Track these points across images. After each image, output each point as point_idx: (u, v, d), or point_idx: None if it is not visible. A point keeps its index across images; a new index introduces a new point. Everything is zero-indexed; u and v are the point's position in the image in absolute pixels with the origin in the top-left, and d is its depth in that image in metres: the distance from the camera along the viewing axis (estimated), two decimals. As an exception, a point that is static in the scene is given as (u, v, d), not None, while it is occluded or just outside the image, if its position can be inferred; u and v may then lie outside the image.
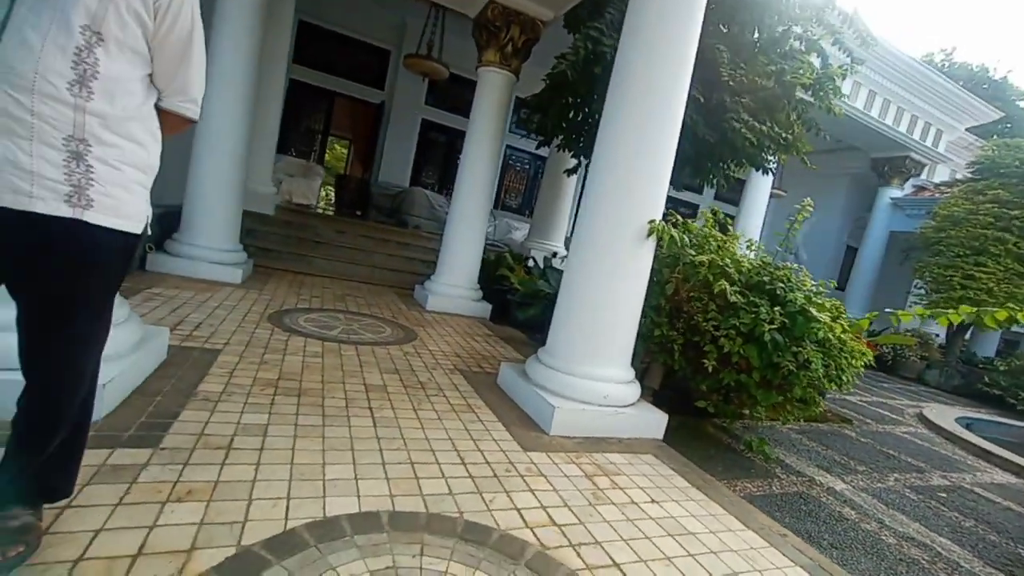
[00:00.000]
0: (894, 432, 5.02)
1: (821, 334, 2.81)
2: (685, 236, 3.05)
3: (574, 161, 6.74)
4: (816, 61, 4.89)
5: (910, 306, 10.41)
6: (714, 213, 3.58)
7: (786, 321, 2.80)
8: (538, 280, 5.24)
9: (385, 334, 4.10)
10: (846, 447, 4.09)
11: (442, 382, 3.19)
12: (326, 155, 10.85)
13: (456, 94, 10.22)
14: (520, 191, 12.35)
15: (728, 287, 2.85)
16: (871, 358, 3.08)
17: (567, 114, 5.73)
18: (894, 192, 11.05)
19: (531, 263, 7.17)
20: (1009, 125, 19.86)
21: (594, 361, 2.89)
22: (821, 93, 4.69)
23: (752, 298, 2.93)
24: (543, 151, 10.72)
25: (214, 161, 4.67)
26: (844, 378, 3.08)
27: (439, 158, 11.05)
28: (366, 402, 2.58)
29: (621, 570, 1.64)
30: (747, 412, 3.22)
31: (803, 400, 3.03)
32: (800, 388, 2.88)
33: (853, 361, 3.03)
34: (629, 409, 2.93)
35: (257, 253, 5.73)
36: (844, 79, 4.89)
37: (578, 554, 1.67)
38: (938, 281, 9.22)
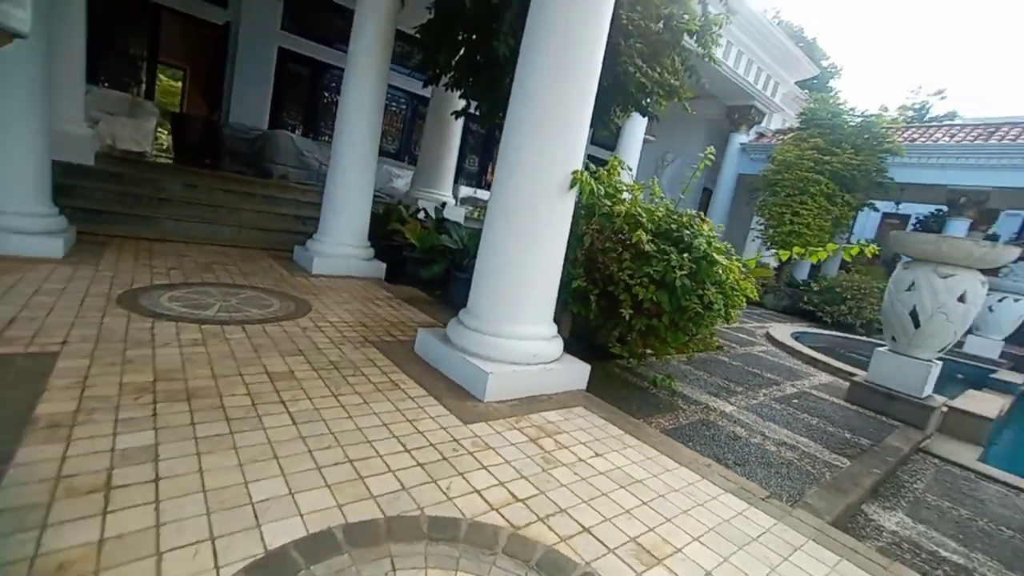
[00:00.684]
0: (753, 352, 5.88)
1: (722, 276, 3.05)
2: (600, 186, 3.03)
3: (463, 102, 6.34)
4: (697, 8, 5.06)
5: (753, 240, 12.10)
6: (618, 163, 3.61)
7: (694, 266, 2.98)
8: (438, 235, 4.97)
9: (273, 308, 3.58)
10: (725, 371, 4.67)
11: (356, 358, 2.89)
12: (155, 89, 8.86)
13: (322, 20, 8.92)
14: (398, 135, 11.50)
15: (644, 237, 2.93)
16: (755, 294, 3.46)
17: (458, 50, 5.29)
18: (742, 138, 12.46)
19: (422, 215, 6.79)
20: (816, 80, 23.38)
21: (521, 319, 2.83)
22: (704, 39, 4.89)
23: (662, 246, 3.06)
24: (418, 88, 9.99)
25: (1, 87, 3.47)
26: (733, 314, 3.43)
27: (302, 95, 9.71)
28: (275, 396, 2.22)
29: (592, 534, 1.66)
30: (655, 353, 3.44)
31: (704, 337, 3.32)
32: (705, 327, 3.14)
33: (741, 298, 3.37)
34: (556, 364, 2.95)
35: (79, 216, 4.55)
36: (720, 27, 5.16)
37: (549, 527, 1.64)
38: (774, 217, 10.79)
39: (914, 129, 11.82)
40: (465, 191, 11.69)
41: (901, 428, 3.96)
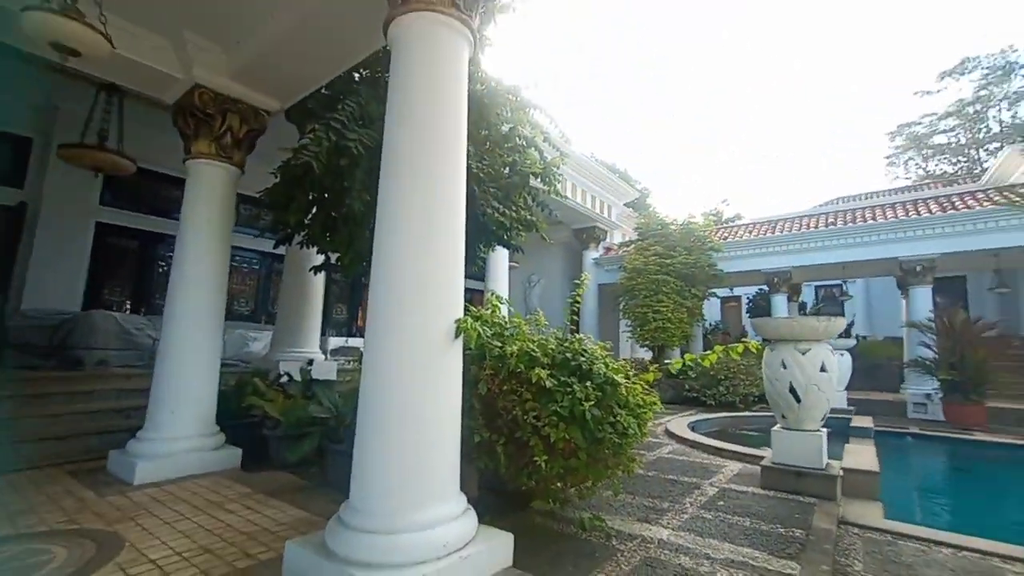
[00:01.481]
0: (662, 455, 5.76)
1: (627, 397, 2.90)
2: (486, 328, 2.81)
3: (321, 257, 6.04)
4: (536, 154, 5.66)
5: (626, 342, 12.90)
6: (498, 298, 3.49)
7: (599, 393, 2.79)
8: (306, 403, 4.24)
9: (52, 564, 2.50)
10: (645, 487, 4.39)
11: (192, 617, 2.03)
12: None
13: (151, 190, 8.27)
14: (252, 294, 10.62)
15: (544, 373, 2.70)
16: (660, 405, 3.35)
17: (309, 209, 5.11)
18: (593, 254, 13.87)
19: (285, 378, 5.94)
20: (636, 201, 28.09)
21: (420, 501, 2.28)
22: (548, 179, 5.39)
23: (562, 378, 2.85)
24: (270, 246, 9.52)
25: None
26: (644, 429, 3.25)
27: (129, 270, 8.56)
28: None
29: None
30: (581, 496, 3.05)
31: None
32: (624, 455, 2.88)
33: (649, 414, 3.24)
34: (472, 547, 2.38)
35: None
36: (559, 168, 5.80)
37: None
38: (638, 317, 11.73)
39: (723, 229, 14.35)
40: (335, 342, 10.90)
41: (818, 504, 3.96)
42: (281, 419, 4.27)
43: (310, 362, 7.14)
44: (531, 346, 2.89)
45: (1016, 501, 6.30)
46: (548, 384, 2.72)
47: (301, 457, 3.87)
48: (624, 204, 14.92)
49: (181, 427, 4.20)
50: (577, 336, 3.23)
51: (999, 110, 29.75)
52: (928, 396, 10.08)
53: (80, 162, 6.14)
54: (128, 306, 8.18)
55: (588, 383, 2.84)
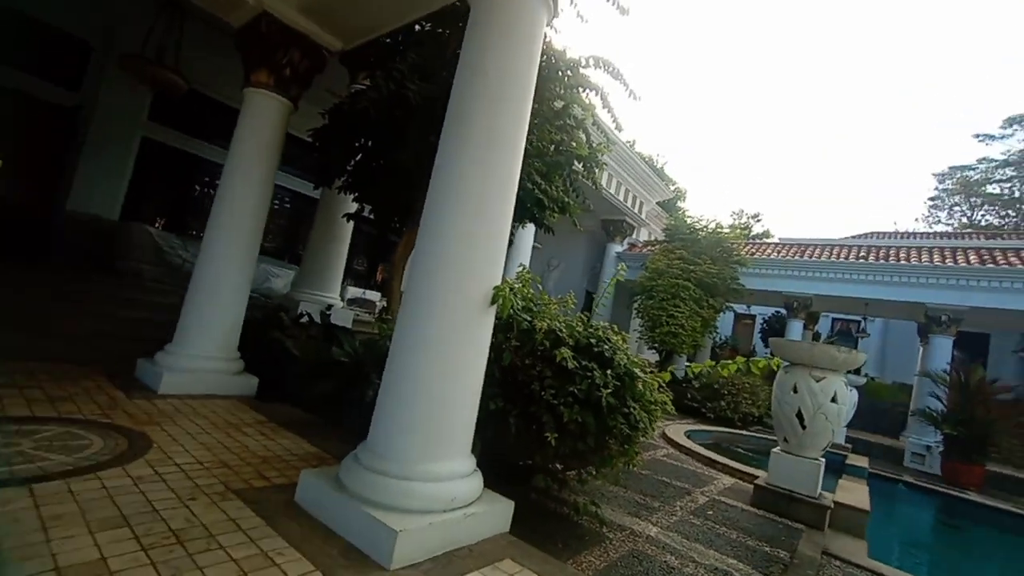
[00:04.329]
0: (658, 457, 5.85)
1: (643, 392, 2.95)
2: (519, 300, 2.87)
3: (355, 206, 6.12)
4: (582, 136, 5.61)
5: (636, 341, 12.90)
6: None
7: (618, 383, 2.84)
8: (328, 346, 4.37)
9: (90, 449, 2.68)
10: (638, 484, 4.48)
11: (211, 520, 2.17)
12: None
13: (199, 114, 8.36)
14: (280, 232, 10.80)
15: (568, 354, 2.75)
16: (671, 407, 3.41)
17: (355, 156, 5.17)
18: (617, 247, 13.78)
19: (305, 319, 6.10)
20: (669, 201, 27.69)
21: (438, 455, 2.38)
22: (591, 165, 5.36)
23: (584, 363, 2.91)
24: (305, 188, 9.61)
25: None
26: (653, 425, 3.32)
27: (169, 188, 8.74)
28: (74, 612, 1.47)
29: None
30: (582, 483, 3.15)
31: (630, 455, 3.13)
32: (632, 448, 2.95)
33: (659, 412, 3.30)
34: (476, 507, 2.49)
35: None
36: (603, 156, 5.74)
37: None
38: (651, 318, 11.70)
39: (751, 245, 14.13)
40: (353, 291, 11.07)
41: (805, 531, 4.02)
42: (301, 357, 4.41)
43: (329, 307, 7.29)
44: (559, 325, 2.94)
45: (995, 566, 6.33)
46: (570, 365, 2.78)
47: (317, 396, 4.01)
48: (657, 201, 14.72)
49: (206, 347, 4.36)
50: (603, 323, 3.27)
51: (1062, 166, 28.41)
52: (928, 448, 10.02)
53: (138, 73, 6.22)
54: (160, 224, 8.37)
55: (608, 371, 2.90)
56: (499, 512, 2.59)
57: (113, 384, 3.96)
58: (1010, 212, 30.32)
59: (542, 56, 4.61)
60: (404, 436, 2.36)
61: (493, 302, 2.53)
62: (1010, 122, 29.49)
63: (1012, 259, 10.64)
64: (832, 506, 4.39)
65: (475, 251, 2.47)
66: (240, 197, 4.50)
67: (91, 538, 1.87)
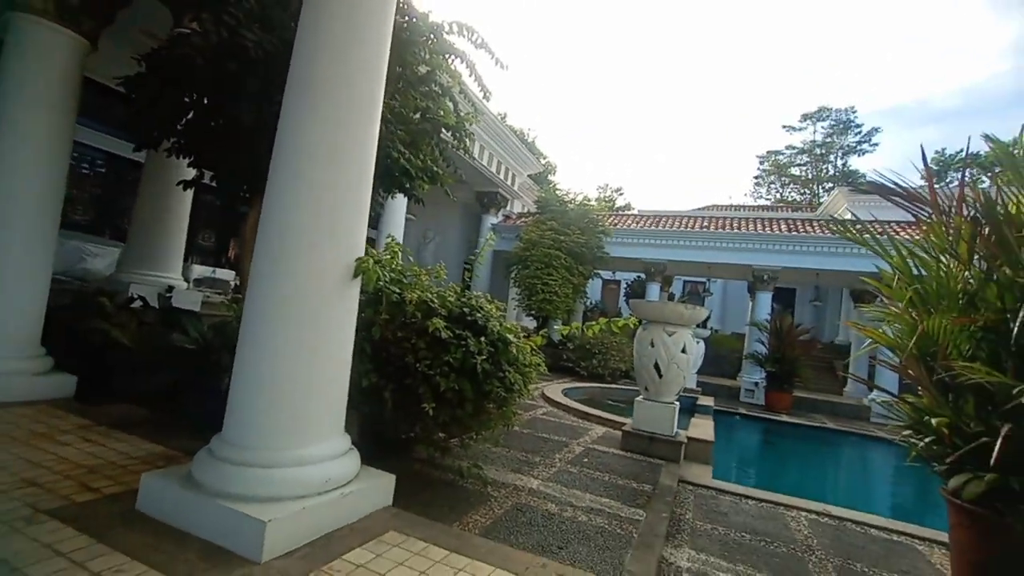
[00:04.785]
0: (537, 416, 6.18)
1: (516, 355, 3.05)
2: (386, 273, 2.75)
3: (193, 171, 5.29)
4: (449, 104, 5.46)
5: (514, 309, 13.35)
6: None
7: (492, 350, 2.90)
8: (167, 332, 3.78)
9: None
10: (520, 442, 4.70)
11: (14, 552, 1.77)
12: None
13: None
14: (96, 203, 9.01)
15: (441, 324, 2.72)
16: (545, 368, 3.58)
17: (185, 113, 4.42)
18: (492, 219, 13.97)
19: (137, 303, 5.22)
20: (540, 174, 28.79)
21: (308, 437, 2.21)
22: (459, 134, 5.26)
23: (458, 331, 2.90)
24: (124, 150, 8.04)
25: None
26: (528, 387, 3.47)
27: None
28: None
29: None
30: (463, 446, 3.19)
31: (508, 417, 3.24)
32: (509, 410, 3.05)
33: (534, 374, 3.45)
34: (354, 485, 2.38)
35: None
36: (471, 125, 5.67)
37: None
38: (527, 286, 12.19)
39: (615, 216, 15.33)
40: (200, 270, 9.78)
41: (665, 466, 4.58)
42: (132, 347, 3.76)
43: (170, 289, 6.32)
44: (430, 296, 2.89)
45: (799, 467, 8.05)
46: (444, 335, 2.75)
47: (157, 389, 3.46)
48: (528, 174, 15.16)
49: (-6, 345, 3.51)
50: (475, 293, 3.29)
51: (836, 157, 35.96)
52: (756, 384, 12.04)
53: None
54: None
55: (482, 338, 2.93)
56: (380, 487, 2.52)
57: None
58: (806, 190, 37.46)
59: (403, 16, 4.34)
60: (265, 421, 2.14)
61: (356, 275, 2.38)
62: (805, 117, 36.90)
63: (808, 228, 13.06)
64: (686, 441, 5.05)
65: (331, 222, 2.28)
66: (14, 151, 3.60)
67: None
